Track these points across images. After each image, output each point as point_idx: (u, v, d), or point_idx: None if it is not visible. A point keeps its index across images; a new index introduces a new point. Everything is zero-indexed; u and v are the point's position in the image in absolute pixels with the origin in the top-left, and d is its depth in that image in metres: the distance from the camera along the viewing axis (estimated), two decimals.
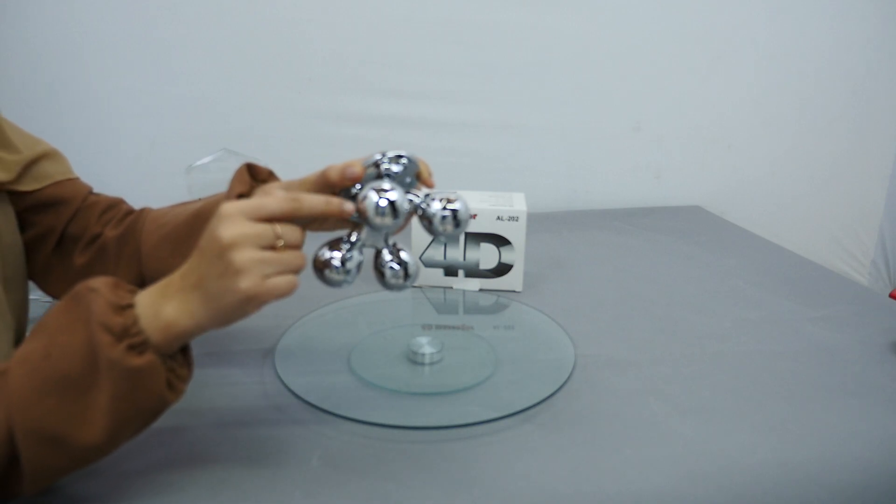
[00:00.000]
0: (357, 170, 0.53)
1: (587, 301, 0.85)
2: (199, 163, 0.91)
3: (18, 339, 0.67)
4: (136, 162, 1.11)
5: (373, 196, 0.50)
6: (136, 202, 0.72)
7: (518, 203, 0.87)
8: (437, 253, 0.87)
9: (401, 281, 0.54)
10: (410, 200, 0.54)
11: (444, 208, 0.54)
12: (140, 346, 0.44)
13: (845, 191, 1.40)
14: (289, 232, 0.48)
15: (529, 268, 0.90)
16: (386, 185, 0.51)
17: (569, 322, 0.76)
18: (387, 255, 0.53)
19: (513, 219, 0.85)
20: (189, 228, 0.63)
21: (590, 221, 1.18)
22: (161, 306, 0.46)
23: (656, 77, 1.24)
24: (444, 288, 0.88)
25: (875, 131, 1.38)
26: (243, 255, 0.45)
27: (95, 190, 0.71)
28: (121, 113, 1.08)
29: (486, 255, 0.87)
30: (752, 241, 1.10)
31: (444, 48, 1.15)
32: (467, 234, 0.86)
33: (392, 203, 0.50)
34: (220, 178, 0.65)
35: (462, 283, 0.88)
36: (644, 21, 1.20)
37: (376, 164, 0.54)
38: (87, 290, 0.45)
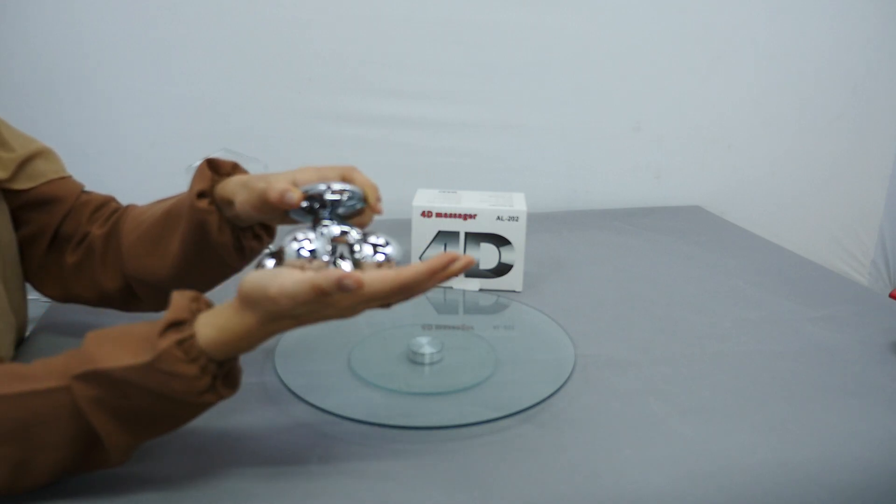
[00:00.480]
0: (295, 196, 0.52)
1: (587, 301, 0.85)
2: (198, 163, 0.91)
3: (19, 339, 0.67)
4: (136, 162, 1.11)
5: (293, 246, 0.50)
6: (136, 202, 0.71)
7: (518, 203, 0.87)
8: (436, 253, 0.87)
9: None
10: (344, 233, 0.53)
11: (376, 252, 0.52)
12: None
13: (845, 191, 1.40)
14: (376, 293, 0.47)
15: (529, 268, 0.90)
16: (307, 234, 0.50)
17: (569, 322, 0.76)
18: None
19: (513, 219, 0.85)
20: (161, 228, 0.62)
21: (590, 221, 1.18)
22: (233, 349, 0.47)
23: (656, 77, 1.24)
24: (444, 288, 0.88)
25: (875, 131, 1.37)
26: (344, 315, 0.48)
27: (96, 190, 0.71)
28: (121, 113, 1.08)
29: (486, 255, 0.87)
30: (752, 241, 1.10)
31: (444, 48, 1.15)
32: (467, 234, 0.86)
33: (312, 252, 0.50)
34: None
35: (462, 283, 0.88)
36: (644, 21, 1.20)
37: (319, 196, 0.53)
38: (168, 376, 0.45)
